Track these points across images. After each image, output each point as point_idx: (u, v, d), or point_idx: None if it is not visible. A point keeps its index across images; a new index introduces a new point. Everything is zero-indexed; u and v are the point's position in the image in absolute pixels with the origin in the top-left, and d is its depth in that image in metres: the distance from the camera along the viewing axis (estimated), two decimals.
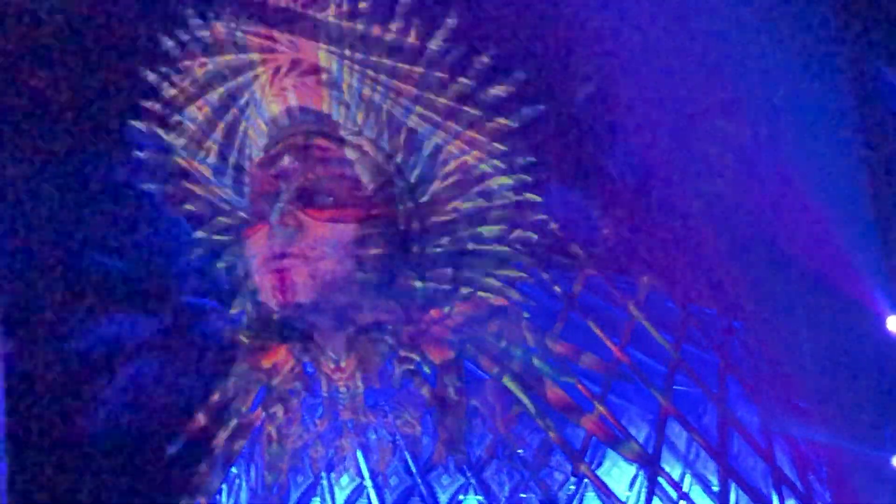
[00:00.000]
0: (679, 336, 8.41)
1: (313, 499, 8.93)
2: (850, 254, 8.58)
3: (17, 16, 8.73)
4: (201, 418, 8.29)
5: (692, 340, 8.58)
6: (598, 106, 8.26)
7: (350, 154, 7.46)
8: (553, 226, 7.67)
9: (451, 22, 7.28)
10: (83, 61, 8.85)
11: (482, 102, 7.35)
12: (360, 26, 7.43)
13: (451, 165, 7.46)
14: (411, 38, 7.34)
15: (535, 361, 7.73)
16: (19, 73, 8.78)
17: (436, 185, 7.53)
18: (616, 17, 8.10)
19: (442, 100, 7.35)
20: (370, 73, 7.44)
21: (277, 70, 7.61)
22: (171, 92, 7.99)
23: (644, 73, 8.16)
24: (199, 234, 8.09)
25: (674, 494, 8.12)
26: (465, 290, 7.68)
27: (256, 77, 7.66)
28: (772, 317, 8.77)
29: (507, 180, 7.43)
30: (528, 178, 7.40)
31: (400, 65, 7.41)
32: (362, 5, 7.42)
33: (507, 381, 7.70)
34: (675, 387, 8.33)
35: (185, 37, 7.89)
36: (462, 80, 7.33)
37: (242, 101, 7.73)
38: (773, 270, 8.56)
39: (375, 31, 7.39)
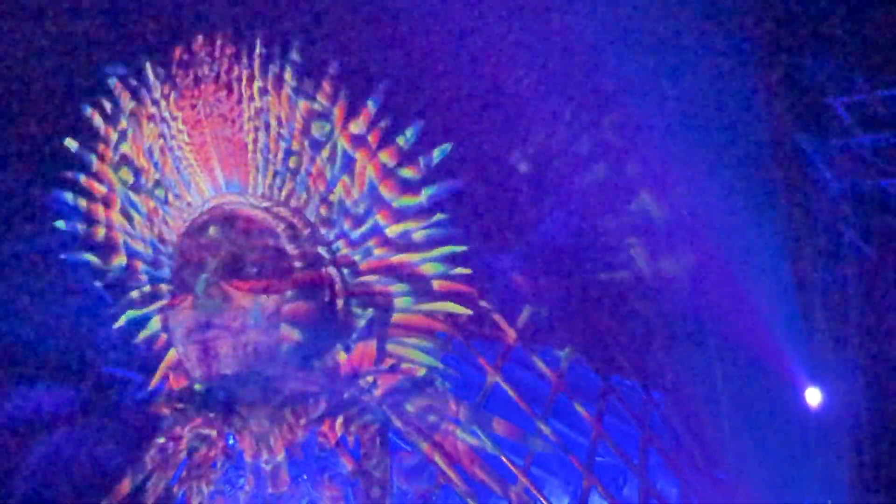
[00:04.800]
0: (600, 407, 8.51)
1: None
2: (770, 326, 8.80)
3: None
4: (122, 490, 8.20)
5: (613, 412, 8.68)
6: (528, 176, 8.47)
7: (276, 225, 7.48)
8: (480, 301, 7.75)
9: (379, 94, 7.37)
10: (6, 127, 8.85)
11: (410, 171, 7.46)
12: (285, 98, 7.53)
13: (379, 237, 7.54)
14: (338, 109, 7.42)
15: (460, 434, 7.78)
16: None
17: (362, 256, 7.61)
18: (548, 83, 8.36)
19: (370, 169, 7.43)
20: (295, 143, 7.50)
21: (203, 141, 7.66)
22: (94, 161, 8.03)
23: (578, 143, 8.40)
24: (121, 304, 8.09)
25: None
26: (389, 362, 7.72)
27: (182, 147, 7.71)
28: (692, 388, 8.93)
29: (437, 251, 7.51)
30: (462, 249, 7.46)
31: (325, 135, 7.51)
32: (288, 76, 7.52)
33: (432, 454, 7.73)
34: (596, 458, 8.46)
35: (109, 106, 7.95)
36: (391, 150, 7.43)
37: (167, 171, 7.76)
38: (693, 342, 8.74)
39: (303, 102, 7.49)
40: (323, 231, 7.61)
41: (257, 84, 7.58)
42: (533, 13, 8.40)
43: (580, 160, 8.60)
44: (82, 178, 8.00)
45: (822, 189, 9.69)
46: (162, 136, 7.71)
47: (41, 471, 9.15)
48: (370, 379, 7.75)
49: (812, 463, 9.40)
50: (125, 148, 7.90)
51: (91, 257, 8.05)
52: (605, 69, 8.40)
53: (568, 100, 8.51)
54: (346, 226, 7.57)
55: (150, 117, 7.80)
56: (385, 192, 7.48)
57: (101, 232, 8.04)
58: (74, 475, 9.01)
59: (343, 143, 7.49)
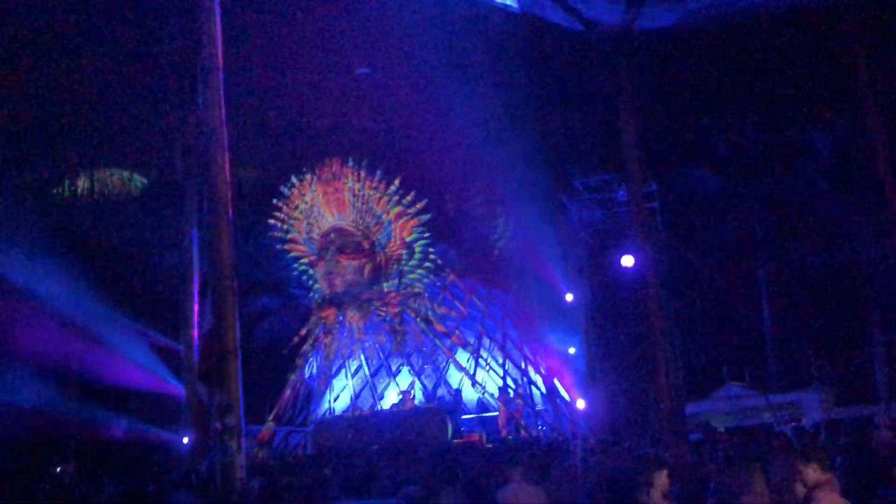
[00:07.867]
0: (486, 303, 19.73)
1: (341, 370, 20.03)
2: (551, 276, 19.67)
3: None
4: (297, 340, 19.49)
5: (491, 304, 19.84)
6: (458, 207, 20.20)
7: (359, 234, 18.80)
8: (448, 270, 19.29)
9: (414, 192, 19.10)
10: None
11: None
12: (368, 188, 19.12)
13: (398, 245, 19.02)
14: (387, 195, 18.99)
15: (429, 315, 19.08)
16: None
17: (391, 251, 19.04)
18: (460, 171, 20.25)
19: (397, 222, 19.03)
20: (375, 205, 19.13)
21: (329, 203, 19.21)
22: (285, 212, 19.59)
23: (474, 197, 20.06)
24: (299, 263, 19.66)
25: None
26: (402, 287, 19.11)
27: (322, 205, 19.27)
28: (528, 292, 19.89)
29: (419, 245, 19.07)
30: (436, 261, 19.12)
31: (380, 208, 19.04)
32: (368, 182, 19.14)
33: (421, 323, 18.96)
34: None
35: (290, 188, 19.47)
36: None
37: (315, 215, 19.33)
38: (520, 282, 19.76)
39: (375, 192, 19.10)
40: (378, 236, 19.00)
41: (357, 185, 19.02)
42: None
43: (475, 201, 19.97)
44: (280, 222, 19.59)
45: (569, 217, 20.38)
46: (313, 202, 19.25)
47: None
48: (395, 294, 19.09)
49: None
50: (298, 205, 19.48)
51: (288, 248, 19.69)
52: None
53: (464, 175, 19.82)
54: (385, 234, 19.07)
55: (304, 194, 19.32)
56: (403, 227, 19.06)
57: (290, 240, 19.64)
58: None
59: (391, 208, 18.95)
